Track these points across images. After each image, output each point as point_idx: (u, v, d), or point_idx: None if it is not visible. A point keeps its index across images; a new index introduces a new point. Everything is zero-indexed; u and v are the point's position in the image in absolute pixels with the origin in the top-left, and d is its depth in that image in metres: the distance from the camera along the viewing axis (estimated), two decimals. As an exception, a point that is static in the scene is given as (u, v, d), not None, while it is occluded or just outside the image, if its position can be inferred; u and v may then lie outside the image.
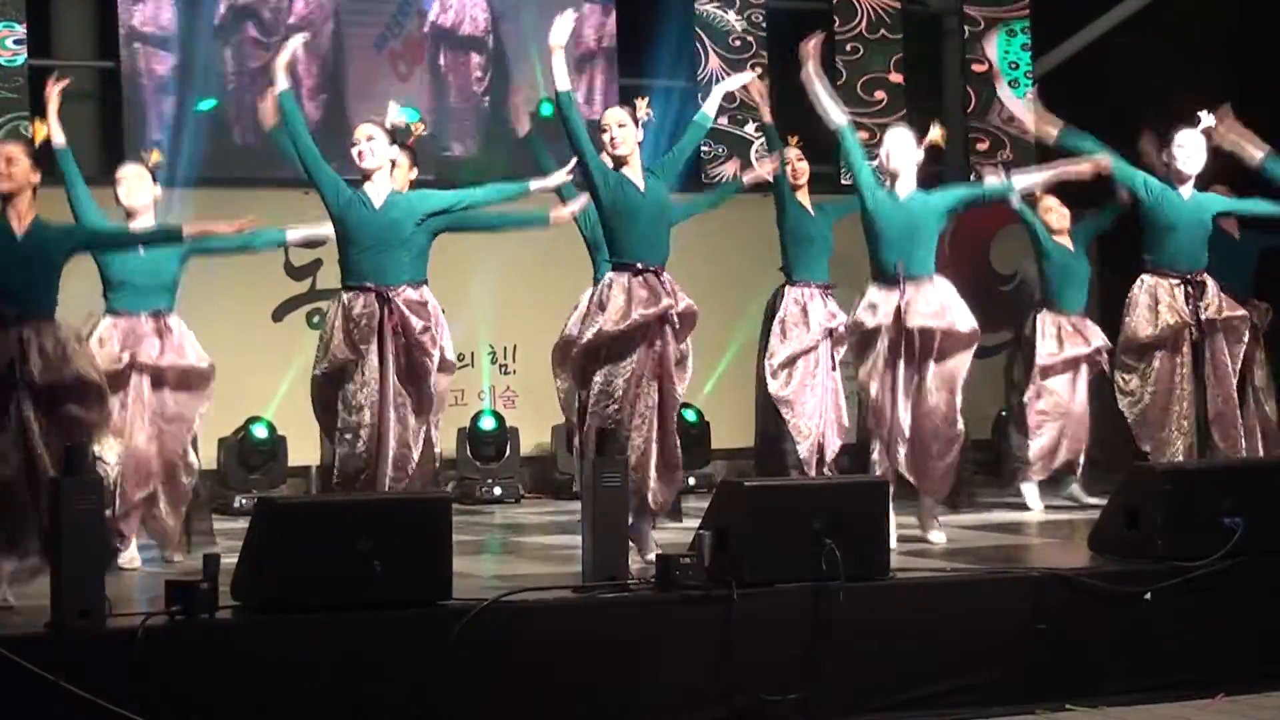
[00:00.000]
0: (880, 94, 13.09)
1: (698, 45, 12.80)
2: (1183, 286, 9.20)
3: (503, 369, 11.97)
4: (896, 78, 13.13)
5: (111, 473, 7.96)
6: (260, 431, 11.12)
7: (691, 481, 9.74)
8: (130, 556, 8.12)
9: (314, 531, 6.40)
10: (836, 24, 13.02)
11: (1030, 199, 10.14)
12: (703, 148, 12.43)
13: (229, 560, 6.47)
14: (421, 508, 6.75)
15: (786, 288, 9.52)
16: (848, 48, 13.11)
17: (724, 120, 12.44)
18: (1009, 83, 9.16)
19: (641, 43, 12.77)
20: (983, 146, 13.38)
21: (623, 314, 7.74)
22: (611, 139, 7.93)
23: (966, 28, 13.45)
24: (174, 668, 6.08)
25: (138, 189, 8.31)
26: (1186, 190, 9.27)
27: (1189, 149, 9.24)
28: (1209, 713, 7.18)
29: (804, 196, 9.58)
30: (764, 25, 12.92)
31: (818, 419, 9.37)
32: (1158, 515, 7.54)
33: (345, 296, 7.92)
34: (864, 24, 13.18)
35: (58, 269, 7.00)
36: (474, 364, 11.84)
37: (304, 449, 10.84)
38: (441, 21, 12.35)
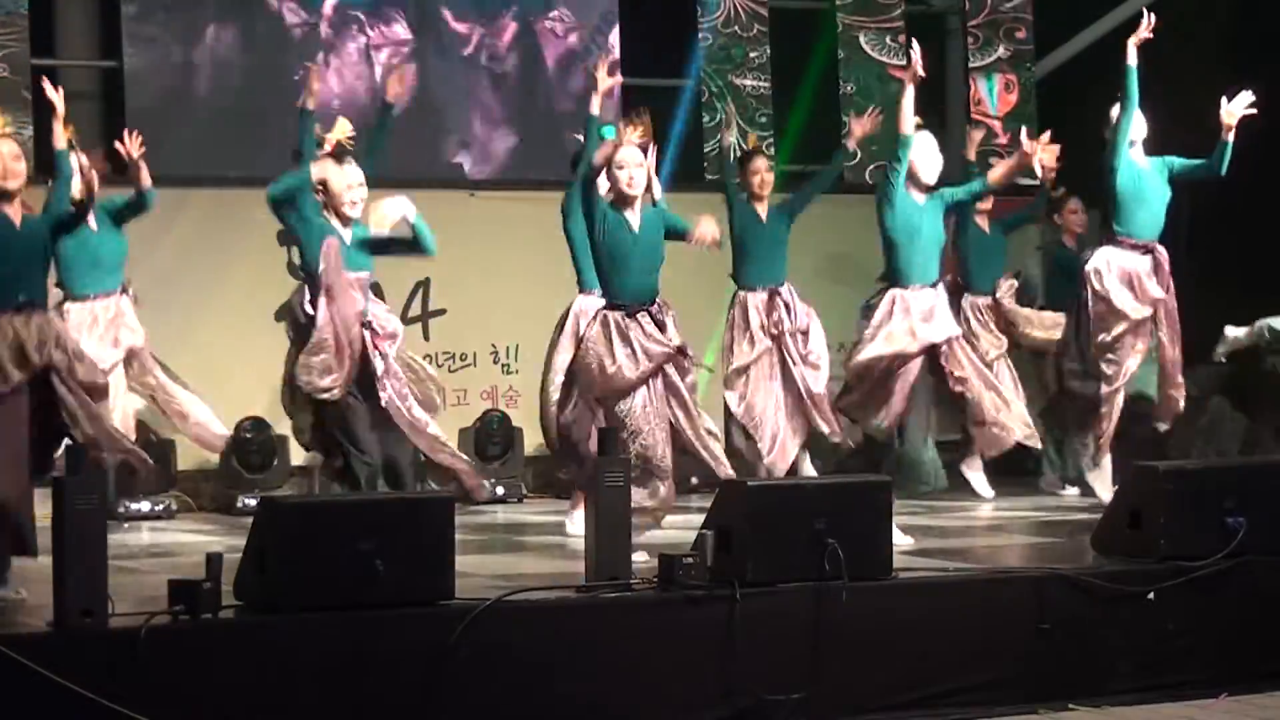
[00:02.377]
0: None
1: (700, 44, 12.78)
2: None
3: (505, 369, 11.95)
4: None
5: None
6: (260, 431, 11.09)
7: (694, 481, 9.70)
8: None
9: (317, 531, 6.40)
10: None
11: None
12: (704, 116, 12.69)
13: (232, 559, 6.47)
14: (424, 507, 6.76)
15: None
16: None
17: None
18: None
19: (644, 42, 12.75)
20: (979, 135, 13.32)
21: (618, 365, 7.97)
22: (630, 179, 7.96)
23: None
24: (177, 667, 6.08)
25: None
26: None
27: None
28: (1212, 712, 7.18)
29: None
30: (765, 24, 12.90)
31: None
32: (1160, 515, 7.53)
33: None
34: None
35: (50, 258, 7.30)
36: (476, 363, 11.83)
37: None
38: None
